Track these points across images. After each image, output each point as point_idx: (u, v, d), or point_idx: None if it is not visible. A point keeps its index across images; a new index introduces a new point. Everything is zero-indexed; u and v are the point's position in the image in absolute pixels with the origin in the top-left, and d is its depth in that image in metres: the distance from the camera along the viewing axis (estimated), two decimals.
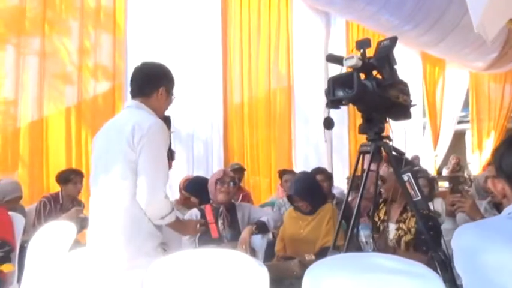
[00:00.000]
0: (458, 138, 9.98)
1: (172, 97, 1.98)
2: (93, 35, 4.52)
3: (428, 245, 1.89)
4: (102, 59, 4.55)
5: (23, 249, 2.75)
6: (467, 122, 10.12)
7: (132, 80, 1.94)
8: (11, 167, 3.99)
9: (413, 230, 2.14)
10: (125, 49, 4.65)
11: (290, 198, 2.89)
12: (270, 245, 2.98)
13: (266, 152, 5.99)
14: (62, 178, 3.55)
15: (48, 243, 2.48)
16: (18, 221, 2.78)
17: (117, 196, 1.75)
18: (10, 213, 2.80)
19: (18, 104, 4.04)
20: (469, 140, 10.52)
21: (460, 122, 9.78)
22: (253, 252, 2.68)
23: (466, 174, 7.85)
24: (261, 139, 5.94)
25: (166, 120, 1.98)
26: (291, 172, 4.67)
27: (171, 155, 1.97)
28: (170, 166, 1.96)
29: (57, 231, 2.55)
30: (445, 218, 2.27)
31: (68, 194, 3.52)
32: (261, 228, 2.58)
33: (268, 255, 2.90)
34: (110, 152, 1.79)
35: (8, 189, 3.24)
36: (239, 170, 4.68)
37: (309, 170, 4.00)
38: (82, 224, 3.27)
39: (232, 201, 2.79)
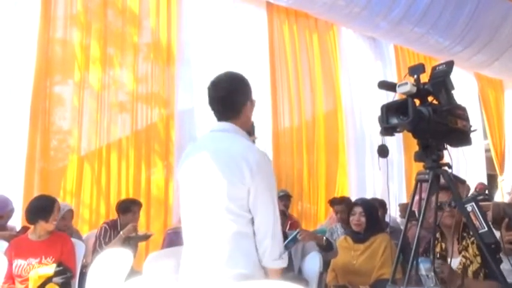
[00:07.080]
0: None
1: (254, 101, 1.75)
2: (149, 67, 4.76)
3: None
4: (155, 89, 4.75)
5: (82, 274, 2.87)
6: None
7: (213, 101, 1.68)
8: (72, 194, 4.19)
9: (478, 258, 1.98)
10: (177, 80, 4.86)
11: (350, 206, 2.93)
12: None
13: (314, 178, 5.89)
14: (121, 207, 3.64)
15: (107, 270, 2.56)
16: (79, 247, 2.90)
17: (224, 234, 1.56)
18: (73, 239, 2.92)
19: (78, 133, 4.29)
20: None
21: None
22: (306, 282, 2.62)
23: None
24: (309, 164, 5.85)
25: (251, 126, 1.90)
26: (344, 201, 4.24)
27: None
28: None
29: (115, 258, 2.63)
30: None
31: (126, 223, 3.57)
32: (328, 243, 2.68)
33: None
34: (210, 185, 1.59)
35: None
36: (286, 197, 4.61)
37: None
38: (136, 239, 3.53)
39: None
